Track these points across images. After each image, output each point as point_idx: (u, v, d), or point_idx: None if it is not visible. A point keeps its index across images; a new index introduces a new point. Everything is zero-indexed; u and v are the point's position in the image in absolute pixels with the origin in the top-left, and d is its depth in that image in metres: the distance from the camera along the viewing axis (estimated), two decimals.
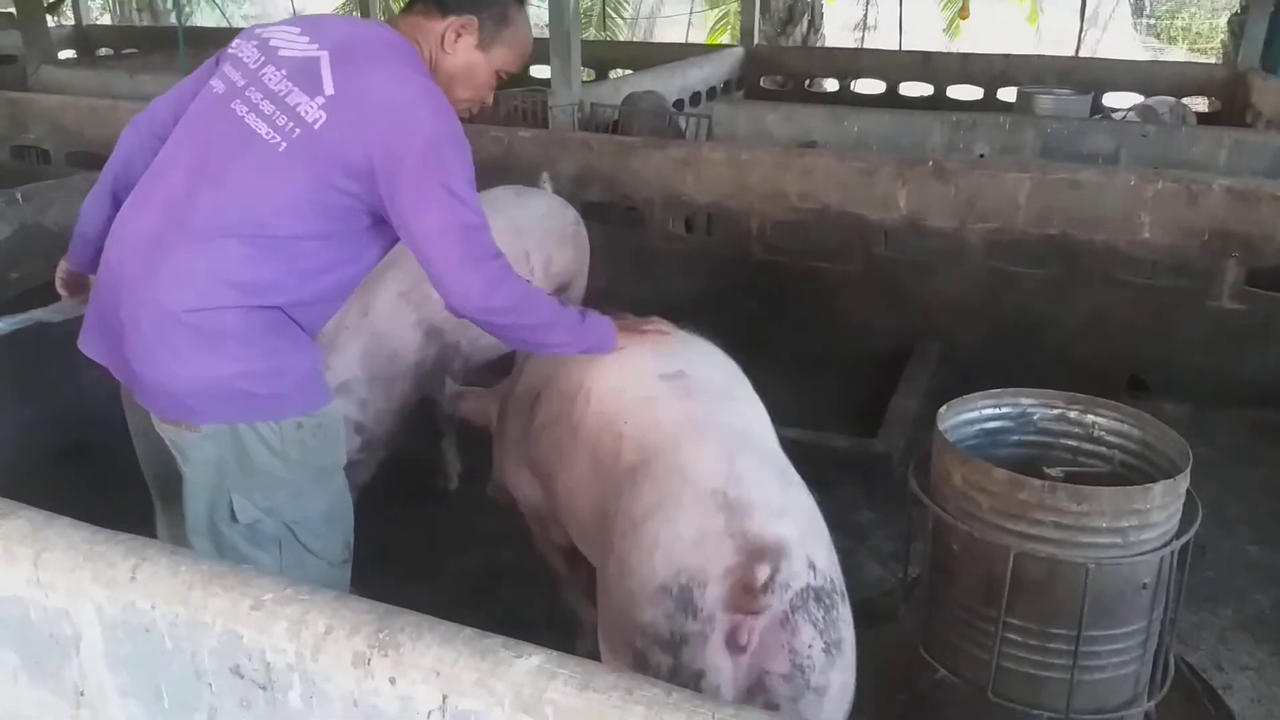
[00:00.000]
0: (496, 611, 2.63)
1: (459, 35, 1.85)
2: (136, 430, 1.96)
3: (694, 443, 1.70)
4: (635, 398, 1.82)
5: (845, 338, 4.09)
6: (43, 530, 1.20)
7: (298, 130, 1.68)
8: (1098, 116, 6.67)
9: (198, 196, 1.70)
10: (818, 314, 4.13)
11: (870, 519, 3.11)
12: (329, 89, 1.70)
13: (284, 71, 1.74)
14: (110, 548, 1.15)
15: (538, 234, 3.20)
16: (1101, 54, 12.25)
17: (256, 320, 1.71)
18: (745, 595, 1.48)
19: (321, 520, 1.88)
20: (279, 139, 1.69)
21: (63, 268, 2.03)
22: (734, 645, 1.51)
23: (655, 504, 1.60)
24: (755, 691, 1.54)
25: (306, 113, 1.69)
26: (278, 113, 1.70)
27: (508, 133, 4.50)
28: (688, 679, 1.50)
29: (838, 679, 1.56)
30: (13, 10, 8.97)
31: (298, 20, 1.89)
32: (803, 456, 3.65)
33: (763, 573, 1.46)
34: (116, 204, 1.90)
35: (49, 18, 9.01)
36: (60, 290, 2.04)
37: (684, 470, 1.64)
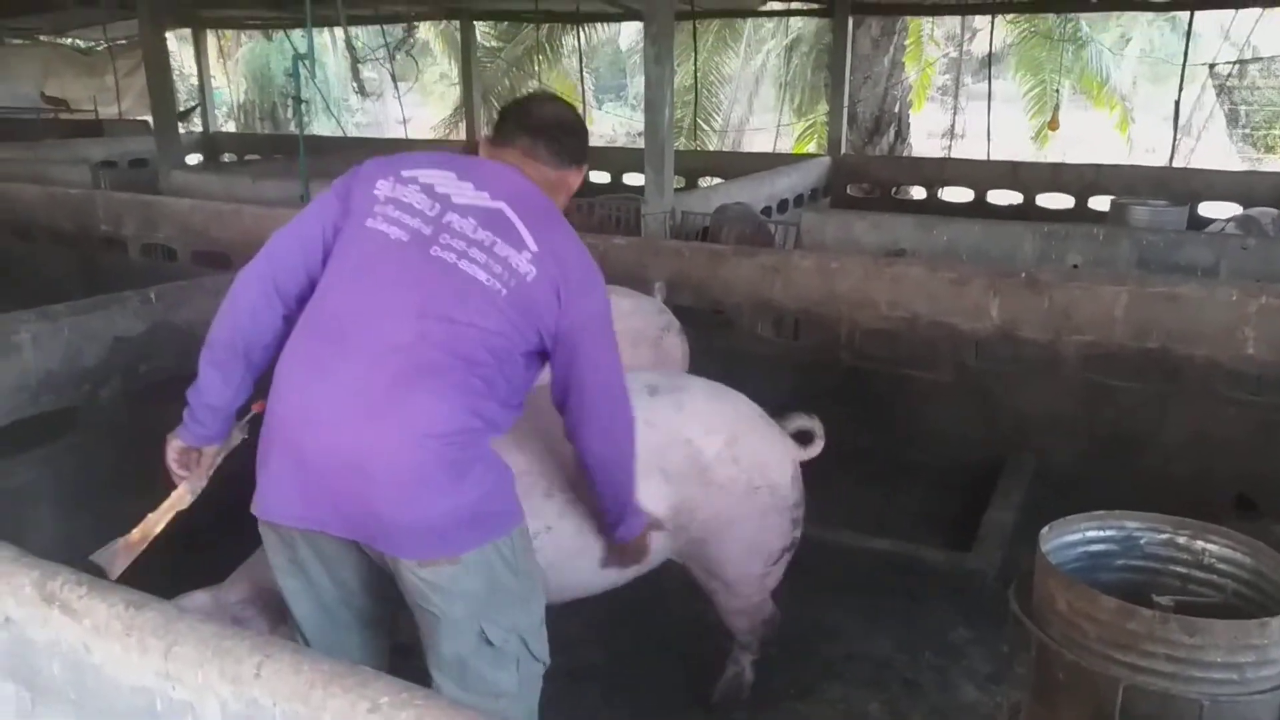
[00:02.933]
0: (580, 714, 2.63)
1: (575, 182, 2.09)
2: (327, 588, 1.90)
3: (741, 406, 2.55)
4: (667, 407, 2.41)
5: (935, 447, 4.04)
6: (175, 623, 1.25)
7: (514, 280, 1.83)
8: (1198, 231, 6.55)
9: (431, 335, 1.78)
10: (907, 422, 4.10)
11: (964, 637, 3.01)
12: (532, 245, 1.85)
13: (474, 220, 1.86)
14: (237, 644, 1.21)
15: None
16: (1195, 164, 12.03)
17: (488, 442, 1.85)
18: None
19: (540, 625, 1.96)
20: (499, 285, 1.83)
21: (177, 447, 1.99)
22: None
23: (769, 451, 2.50)
24: None
25: (518, 265, 1.84)
26: (491, 261, 1.83)
27: (602, 239, 4.64)
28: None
29: None
30: (148, 119, 9.73)
31: (433, 159, 1.96)
32: (894, 569, 3.55)
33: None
34: (250, 366, 1.94)
35: (180, 125, 9.69)
36: (179, 472, 2.00)
37: (756, 422, 2.53)
